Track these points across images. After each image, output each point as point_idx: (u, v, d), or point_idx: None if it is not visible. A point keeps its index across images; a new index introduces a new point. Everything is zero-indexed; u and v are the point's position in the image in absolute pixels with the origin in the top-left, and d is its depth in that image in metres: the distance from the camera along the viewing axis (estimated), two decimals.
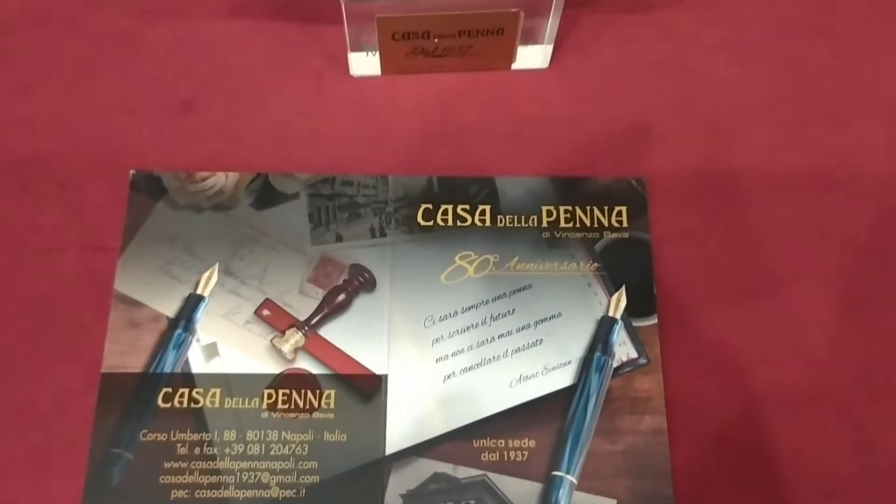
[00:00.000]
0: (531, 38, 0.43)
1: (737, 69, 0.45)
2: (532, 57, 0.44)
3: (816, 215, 0.42)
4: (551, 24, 0.42)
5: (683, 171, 0.42)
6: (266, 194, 0.41)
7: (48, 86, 0.43)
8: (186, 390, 0.38)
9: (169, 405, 0.37)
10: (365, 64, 0.43)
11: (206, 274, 0.40)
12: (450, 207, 0.41)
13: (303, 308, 0.39)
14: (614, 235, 0.41)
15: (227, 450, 0.37)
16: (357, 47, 0.42)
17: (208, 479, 0.36)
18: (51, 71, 0.44)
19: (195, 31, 0.45)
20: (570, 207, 0.41)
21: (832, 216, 0.42)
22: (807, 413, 0.38)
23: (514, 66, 0.44)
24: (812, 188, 0.42)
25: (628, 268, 0.40)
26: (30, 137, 0.42)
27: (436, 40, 0.41)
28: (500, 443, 0.37)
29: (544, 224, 0.41)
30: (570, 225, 0.41)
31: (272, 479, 0.36)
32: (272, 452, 0.36)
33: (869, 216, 0.42)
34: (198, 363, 0.38)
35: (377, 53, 0.42)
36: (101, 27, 0.45)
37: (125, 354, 0.38)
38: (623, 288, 0.40)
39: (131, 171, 0.41)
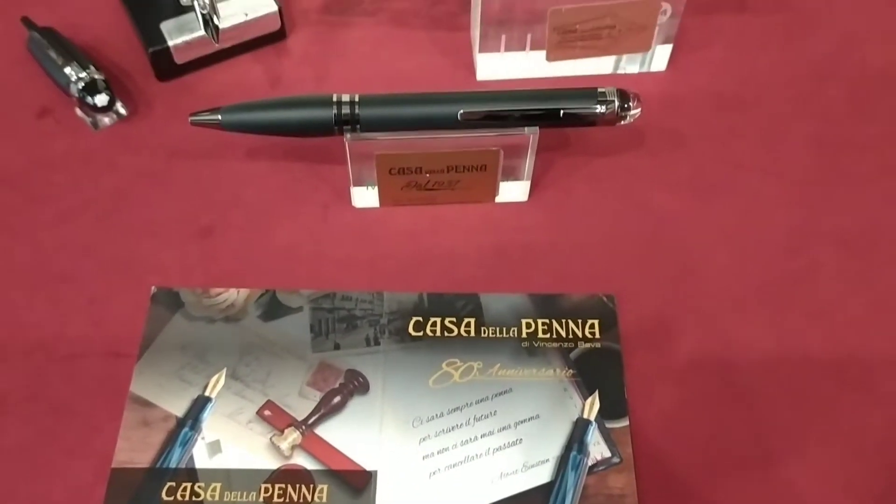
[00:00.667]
0: (512, 174, 0.48)
1: (697, 203, 0.50)
2: (513, 191, 0.49)
3: (773, 330, 0.45)
4: (529, 163, 0.47)
5: (649, 289, 0.46)
6: (273, 308, 0.45)
7: (85, 214, 0.49)
8: (189, 484, 0.40)
9: (172, 498, 0.40)
10: (365, 197, 0.49)
11: (215, 378, 0.43)
12: (438, 320, 0.45)
13: (302, 409, 0.42)
14: (587, 345, 0.44)
15: None
16: (359, 182, 0.48)
17: None
18: (89, 202, 0.49)
19: (217, 170, 0.50)
20: (547, 320, 0.45)
21: (788, 329, 0.45)
22: None
23: (498, 199, 0.49)
24: (768, 304, 0.46)
25: (601, 374, 0.43)
26: (65, 258, 0.47)
27: (427, 175, 0.47)
28: None
29: (524, 335, 0.44)
30: (548, 336, 0.44)
31: None
32: None
33: (823, 330, 0.45)
34: (202, 459, 0.41)
35: (376, 188, 0.48)
36: (135, 166, 0.51)
37: (135, 451, 0.41)
38: (596, 392, 0.43)
39: (153, 288, 0.46)
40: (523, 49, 0.53)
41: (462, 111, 0.44)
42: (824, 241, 0.48)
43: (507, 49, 0.53)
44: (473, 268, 0.47)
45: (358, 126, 0.45)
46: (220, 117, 0.45)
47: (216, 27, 0.47)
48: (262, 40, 0.55)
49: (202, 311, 0.45)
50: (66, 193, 0.49)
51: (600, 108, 0.45)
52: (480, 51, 0.53)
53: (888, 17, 0.58)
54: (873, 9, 0.59)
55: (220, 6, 0.52)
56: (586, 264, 0.47)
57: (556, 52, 0.52)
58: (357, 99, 0.45)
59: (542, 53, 0.53)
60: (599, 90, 0.45)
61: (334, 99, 0.45)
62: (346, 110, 0.45)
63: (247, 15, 0.53)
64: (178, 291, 0.46)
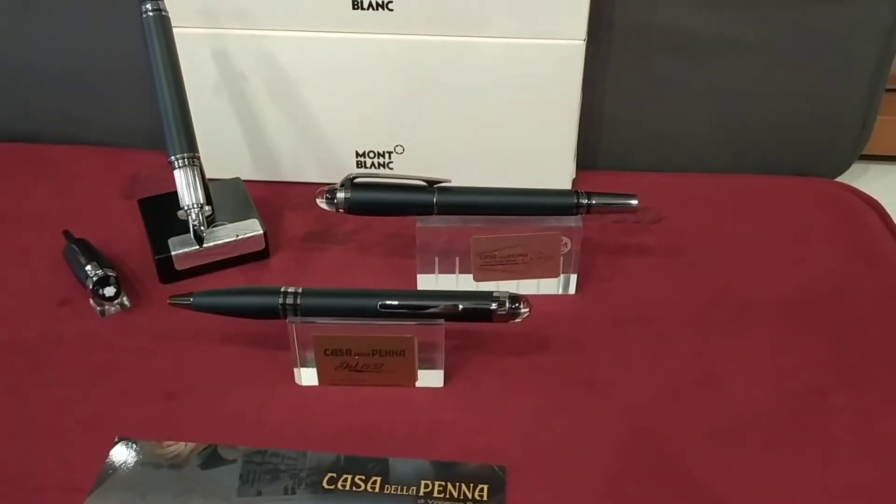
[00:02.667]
0: (429, 364, 0.56)
1: (590, 395, 0.56)
2: (430, 378, 0.57)
3: None
4: (441, 353, 0.55)
5: (540, 464, 0.52)
6: (212, 459, 0.52)
7: (74, 379, 0.57)
8: None
9: None
10: (307, 376, 0.57)
11: None
12: (349, 476, 0.51)
13: None
14: None
15: None
16: (302, 363, 0.56)
17: None
18: (80, 370, 0.58)
19: (192, 351, 0.59)
20: (443, 483, 0.50)
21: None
22: None
23: (418, 384, 0.57)
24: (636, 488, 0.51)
25: None
26: (50, 413, 0.55)
27: (356, 357, 0.55)
28: None
29: (421, 493, 0.50)
30: (442, 496, 0.50)
31: None
32: None
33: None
34: None
35: (315, 368, 0.56)
36: (126, 345, 0.60)
37: None
38: None
39: (116, 437, 0.53)
40: (454, 272, 0.63)
41: (380, 302, 0.53)
42: (694, 434, 0.54)
43: (441, 272, 0.63)
44: (387, 437, 0.54)
45: (300, 312, 0.54)
46: (191, 300, 0.55)
47: (201, 237, 0.58)
48: (249, 257, 0.67)
49: (152, 458, 0.52)
50: (63, 363, 0.59)
51: (493, 306, 0.54)
52: (419, 272, 0.63)
53: (761, 263, 0.68)
54: (749, 257, 0.68)
55: (216, 227, 0.64)
56: (486, 440, 0.54)
57: (480, 273, 0.62)
58: (300, 290, 0.54)
59: (470, 276, 0.63)
60: (494, 293, 0.54)
61: (282, 289, 0.54)
62: (290, 300, 0.54)
63: (237, 235, 0.65)
64: (136, 441, 0.53)
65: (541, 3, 0.66)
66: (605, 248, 0.68)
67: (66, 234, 0.66)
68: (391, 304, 0.53)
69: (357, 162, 0.74)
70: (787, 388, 0.57)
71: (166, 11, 0.59)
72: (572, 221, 0.61)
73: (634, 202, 0.62)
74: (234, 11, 0.68)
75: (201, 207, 0.57)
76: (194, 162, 0.58)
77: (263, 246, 0.67)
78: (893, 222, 0.73)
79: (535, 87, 0.70)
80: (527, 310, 0.54)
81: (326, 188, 0.62)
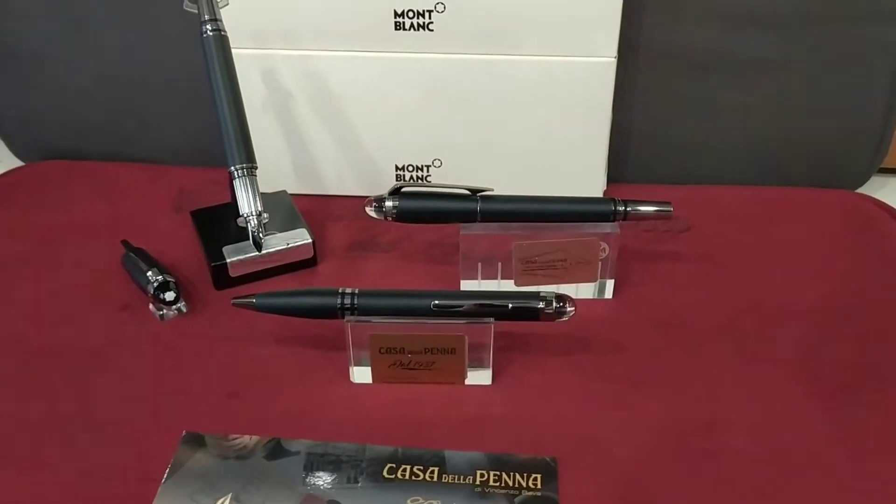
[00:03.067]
0: (478, 363, 0.59)
1: (631, 393, 0.59)
2: (479, 376, 0.59)
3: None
4: (490, 351, 0.58)
5: (589, 457, 0.54)
6: (276, 451, 0.54)
7: (141, 378, 0.60)
8: None
9: None
10: (361, 374, 0.59)
11: (221, 499, 0.51)
12: (408, 467, 0.53)
13: None
14: (530, 493, 0.52)
15: None
16: (357, 362, 0.59)
17: None
18: (146, 370, 0.61)
19: (249, 351, 0.62)
20: (498, 473, 0.53)
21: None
22: None
23: (467, 381, 0.59)
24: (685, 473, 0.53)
25: None
26: (115, 409, 0.58)
27: (409, 355, 0.58)
28: None
29: (477, 482, 0.52)
30: (497, 484, 0.52)
31: None
32: None
33: None
34: None
35: (370, 366, 0.59)
36: (188, 347, 0.63)
37: None
38: None
39: (184, 431, 0.55)
40: (495, 278, 0.66)
41: (434, 302, 0.56)
42: (734, 429, 0.57)
43: (484, 278, 0.66)
44: (441, 431, 0.56)
45: (356, 311, 0.57)
46: (254, 300, 0.58)
47: (260, 243, 0.61)
48: (298, 265, 0.70)
49: (219, 450, 0.54)
50: (129, 363, 0.61)
51: (541, 304, 0.56)
52: (462, 278, 0.66)
53: (788, 271, 0.70)
54: (776, 265, 0.71)
55: (268, 237, 0.67)
56: (535, 434, 0.56)
57: (522, 278, 0.65)
58: (357, 291, 0.57)
59: (511, 282, 0.66)
60: (541, 293, 0.57)
61: (339, 290, 0.57)
62: (347, 300, 0.57)
63: (288, 244, 0.68)
64: (203, 435, 0.55)
65: (574, 22, 0.70)
66: (639, 256, 0.71)
67: (125, 243, 0.69)
68: (444, 304, 0.56)
69: (396, 175, 0.78)
70: (820, 388, 0.60)
71: (225, 31, 0.63)
72: (609, 227, 0.64)
73: (669, 209, 0.65)
74: (283, 33, 0.72)
75: (260, 215, 0.60)
76: (252, 172, 0.61)
77: (312, 254, 0.70)
78: None
79: (568, 103, 0.73)
80: (572, 309, 0.57)
81: (375, 197, 0.65)
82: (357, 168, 0.78)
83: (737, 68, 0.77)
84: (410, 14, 0.70)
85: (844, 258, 0.72)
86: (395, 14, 0.70)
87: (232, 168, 0.61)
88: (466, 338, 0.57)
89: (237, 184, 0.61)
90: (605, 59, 0.72)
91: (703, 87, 0.78)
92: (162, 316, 0.65)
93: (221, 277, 0.67)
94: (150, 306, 0.65)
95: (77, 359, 0.62)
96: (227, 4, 0.63)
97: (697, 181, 0.81)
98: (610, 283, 0.67)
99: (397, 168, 0.77)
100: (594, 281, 0.66)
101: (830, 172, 0.82)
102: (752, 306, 0.67)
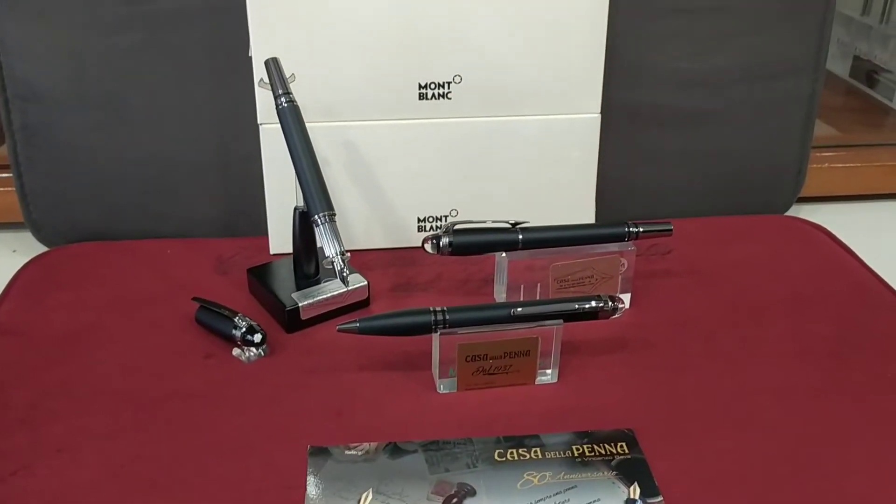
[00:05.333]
0: (545, 364, 0.68)
1: (673, 376, 0.69)
2: (546, 376, 0.68)
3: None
4: (556, 350, 0.67)
5: (657, 428, 0.64)
6: (396, 451, 0.60)
7: (248, 410, 0.65)
8: None
9: None
10: (446, 385, 0.67)
11: (364, 494, 0.57)
12: (514, 449, 0.61)
13: None
14: (622, 457, 0.60)
15: None
16: (443, 375, 0.66)
17: None
18: (250, 403, 0.65)
19: (338, 379, 0.68)
20: (590, 445, 0.61)
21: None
22: None
23: (537, 381, 0.68)
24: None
25: (635, 472, 0.59)
26: (237, 436, 0.62)
27: (490, 361, 0.66)
28: None
29: (576, 454, 0.60)
30: (593, 454, 0.61)
31: None
32: None
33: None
34: None
35: (455, 377, 0.66)
36: (279, 382, 0.68)
37: None
38: (635, 482, 0.58)
39: (308, 446, 0.61)
40: (535, 297, 0.76)
41: (513, 310, 0.65)
42: (763, 391, 0.68)
43: (524, 299, 0.76)
44: (529, 421, 0.64)
45: (447, 325, 0.65)
46: (358, 324, 0.65)
47: (346, 279, 0.68)
48: (354, 306, 0.77)
49: (345, 457, 0.60)
50: (233, 399, 0.66)
51: (601, 304, 0.67)
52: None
53: (758, 275, 0.84)
54: (748, 272, 0.85)
55: (327, 283, 0.74)
56: (607, 416, 0.65)
57: (557, 295, 0.75)
58: (446, 308, 0.65)
59: None
60: (597, 295, 0.67)
61: (431, 309, 0.65)
62: (439, 316, 0.65)
63: (347, 287, 0.75)
64: (327, 447, 0.61)
65: (565, 86, 0.83)
66: (639, 275, 0.83)
67: (197, 299, 0.74)
68: (523, 311, 0.65)
69: (418, 226, 0.87)
70: (813, 355, 0.73)
71: (296, 101, 0.71)
72: (625, 246, 0.76)
73: (670, 227, 0.77)
74: (323, 108, 0.81)
75: (343, 254, 0.68)
76: (332, 219, 0.68)
77: (367, 295, 0.77)
78: (839, 240, 0.92)
79: (563, 153, 0.86)
80: (623, 305, 0.67)
81: (430, 235, 0.73)
82: (383, 222, 0.86)
83: (684, 121, 0.92)
84: (432, 86, 0.81)
85: (797, 263, 0.87)
86: (419, 86, 0.81)
87: (315, 216, 0.68)
88: (540, 339, 0.66)
89: (321, 230, 0.68)
90: (591, 115, 0.85)
91: (659, 138, 0.93)
92: (248, 359, 0.70)
93: (294, 320, 0.73)
94: (234, 351, 0.70)
95: (182, 400, 0.65)
96: (295, 80, 0.71)
97: (660, 215, 0.94)
98: (627, 296, 0.78)
99: (419, 220, 0.86)
100: (615, 293, 0.77)
101: (762, 201, 0.98)
102: (740, 304, 0.80)
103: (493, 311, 0.66)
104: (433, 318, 0.65)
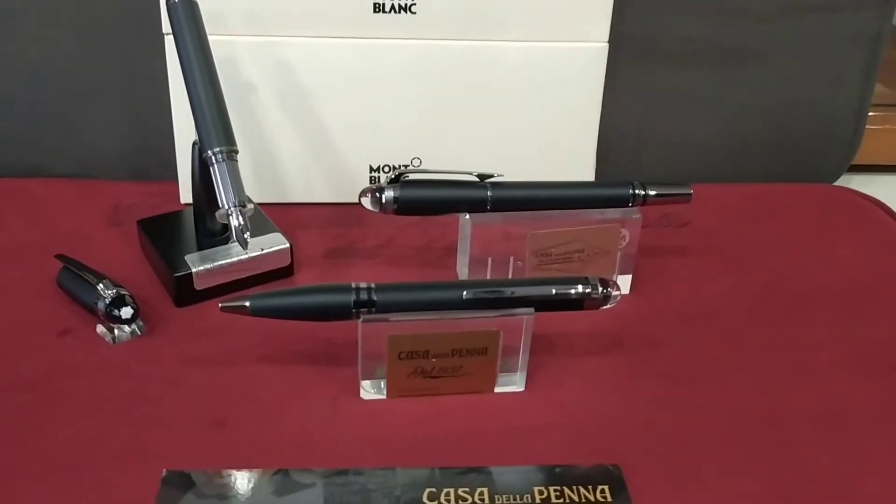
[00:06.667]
0: (509, 367, 0.50)
1: (678, 387, 0.51)
2: (509, 382, 0.50)
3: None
4: (524, 349, 0.49)
5: (652, 460, 0.46)
6: (286, 485, 0.43)
7: (99, 412, 0.48)
8: None
9: None
10: (373, 388, 0.49)
11: None
12: (452, 490, 0.43)
13: None
14: None
15: None
16: (367, 375, 0.49)
17: None
18: (103, 401, 0.49)
19: (229, 374, 0.51)
20: (559, 488, 0.44)
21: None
22: None
23: (497, 389, 0.50)
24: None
25: None
26: (78, 448, 0.45)
27: (433, 360, 0.48)
28: None
29: (538, 501, 0.43)
30: (562, 501, 0.43)
31: None
32: None
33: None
34: None
35: (384, 380, 0.49)
36: (150, 373, 0.51)
37: None
38: None
39: (164, 471, 0.44)
40: (507, 275, 0.58)
41: (465, 292, 0.47)
42: (802, 418, 0.50)
43: (493, 276, 0.58)
44: (479, 446, 0.47)
45: (374, 309, 0.47)
46: (248, 304, 0.47)
47: (245, 240, 0.50)
48: (271, 275, 0.59)
49: (214, 489, 0.43)
50: (81, 395, 0.49)
51: (588, 289, 0.48)
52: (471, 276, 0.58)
53: (795, 259, 0.66)
54: (781, 255, 0.66)
55: (235, 243, 0.56)
56: (586, 441, 0.48)
57: (535, 273, 0.57)
58: (374, 285, 0.48)
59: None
60: (586, 277, 0.49)
61: (353, 285, 0.47)
62: (363, 296, 0.47)
63: (262, 249, 0.58)
64: (189, 473, 0.43)
65: (563, 4, 0.64)
66: (644, 251, 0.64)
67: (62, 257, 0.57)
68: (479, 293, 0.47)
69: (370, 178, 0.68)
70: (869, 370, 0.54)
71: None
72: (628, 213, 0.58)
73: (689, 191, 0.59)
74: (246, 16, 0.62)
75: (244, 206, 0.50)
76: (233, 156, 0.51)
77: (289, 261, 0.60)
78: None
79: (557, 92, 0.67)
80: (618, 293, 0.49)
81: (373, 187, 0.55)
82: (326, 171, 0.68)
83: (716, 61, 0.73)
84: None
85: (845, 244, 0.68)
86: None
87: (209, 152, 0.50)
88: (501, 333, 0.48)
89: (217, 170, 0.50)
90: (596, 45, 0.66)
91: (683, 80, 0.74)
92: (114, 339, 0.53)
93: (184, 291, 0.56)
94: (99, 328, 0.53)
95: (14, 395, 0.49)
96: None
97: (676, 178, 0.76)
98: (626, 280, 0.60)
99: (371, 170, 0.68)
100: (612, 273, 0.59)
101: (807, 166, 0.79)
102: (774, 294, 0.61)
103: (439, 291, 0.48)
104: (354, 297, 0.47)
